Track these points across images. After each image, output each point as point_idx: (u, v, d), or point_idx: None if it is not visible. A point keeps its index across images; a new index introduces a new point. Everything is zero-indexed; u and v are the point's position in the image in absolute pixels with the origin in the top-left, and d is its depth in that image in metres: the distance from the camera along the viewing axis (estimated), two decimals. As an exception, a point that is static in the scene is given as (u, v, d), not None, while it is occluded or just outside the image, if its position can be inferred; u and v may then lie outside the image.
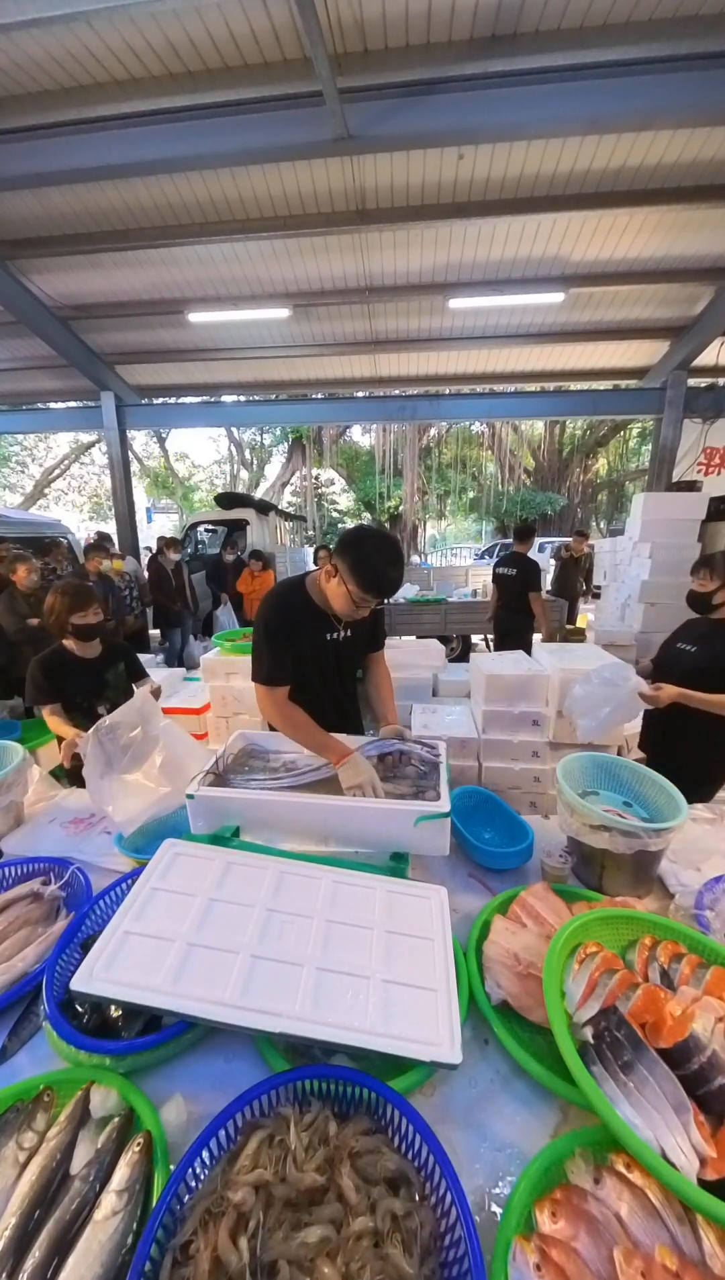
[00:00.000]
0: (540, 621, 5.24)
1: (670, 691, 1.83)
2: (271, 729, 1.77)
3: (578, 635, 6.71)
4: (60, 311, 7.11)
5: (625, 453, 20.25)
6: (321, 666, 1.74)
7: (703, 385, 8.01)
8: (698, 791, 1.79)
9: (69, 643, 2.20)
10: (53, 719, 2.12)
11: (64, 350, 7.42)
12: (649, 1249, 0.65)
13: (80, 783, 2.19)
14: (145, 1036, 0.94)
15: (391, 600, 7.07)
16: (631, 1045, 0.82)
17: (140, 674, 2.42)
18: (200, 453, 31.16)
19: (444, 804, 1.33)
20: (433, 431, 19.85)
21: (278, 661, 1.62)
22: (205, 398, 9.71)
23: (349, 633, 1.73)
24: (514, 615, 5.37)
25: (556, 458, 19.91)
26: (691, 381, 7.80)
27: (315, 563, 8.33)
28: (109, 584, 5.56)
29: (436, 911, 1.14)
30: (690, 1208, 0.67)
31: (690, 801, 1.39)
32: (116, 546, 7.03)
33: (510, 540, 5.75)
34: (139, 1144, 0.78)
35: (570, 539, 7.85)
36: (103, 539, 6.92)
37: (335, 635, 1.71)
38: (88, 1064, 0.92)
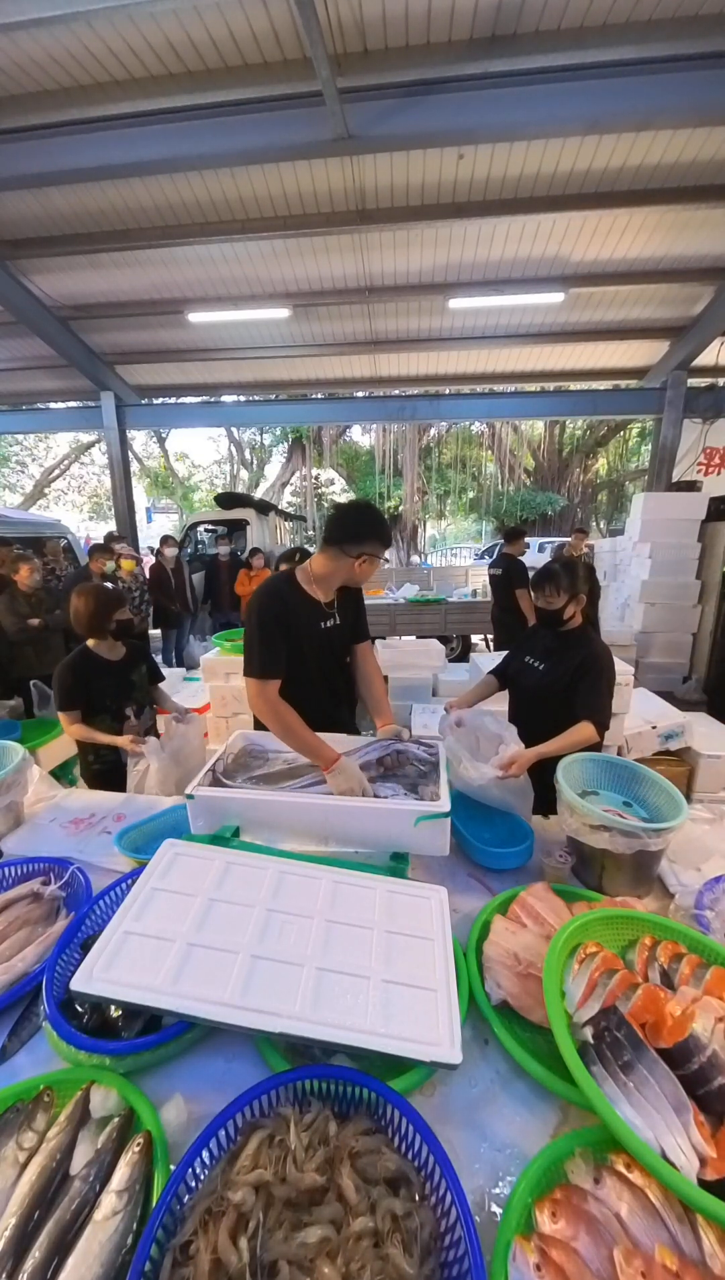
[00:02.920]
0: (529, 616, 5.25)
1: (525, 759, 1.66)
2: (259, 726, 1.77)
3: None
4: (60, 311, 7.10)
5: (625, 453, 20.23)
6: (319, 657, 1.75)
7: (703, 385, 8.00)
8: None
9: (95, 645, 2.23)
10: (75, 727, 2.16)
11: (64, 350, 7.42)
12: (649, 1249, 0.65)
13: (106, 784, 2.26)
14: (145, 1036, 0.94)
15: (393, 599, 7.10)
16: (631, 1045, 0.82)
17: (159, 676, 2.49)
18: (200, 453, 31.21)
19: (444, 804, 1.33)
20: (433, 431, 19.83)
21: (272, 654, 1.60)
22: (205, 398, 9.70)
23: (338, 621, 1.78)
24: (507, 614, 5.44)
25: (556, 458, 19.88)
26: (691, 381, 7.79)
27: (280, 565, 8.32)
28: (111, 584, 5.56)
29: (436, 911, 1.14)
30: (690, 1208, 0.67)
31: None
32: (127, 546, 6.89)
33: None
34: (139, 1144, 0.78)
35: (570, 538, 7.86)
36: (111, 539, 6.82)
37: (328, 624, 1.74)
38: (88, 1064, 0.92)
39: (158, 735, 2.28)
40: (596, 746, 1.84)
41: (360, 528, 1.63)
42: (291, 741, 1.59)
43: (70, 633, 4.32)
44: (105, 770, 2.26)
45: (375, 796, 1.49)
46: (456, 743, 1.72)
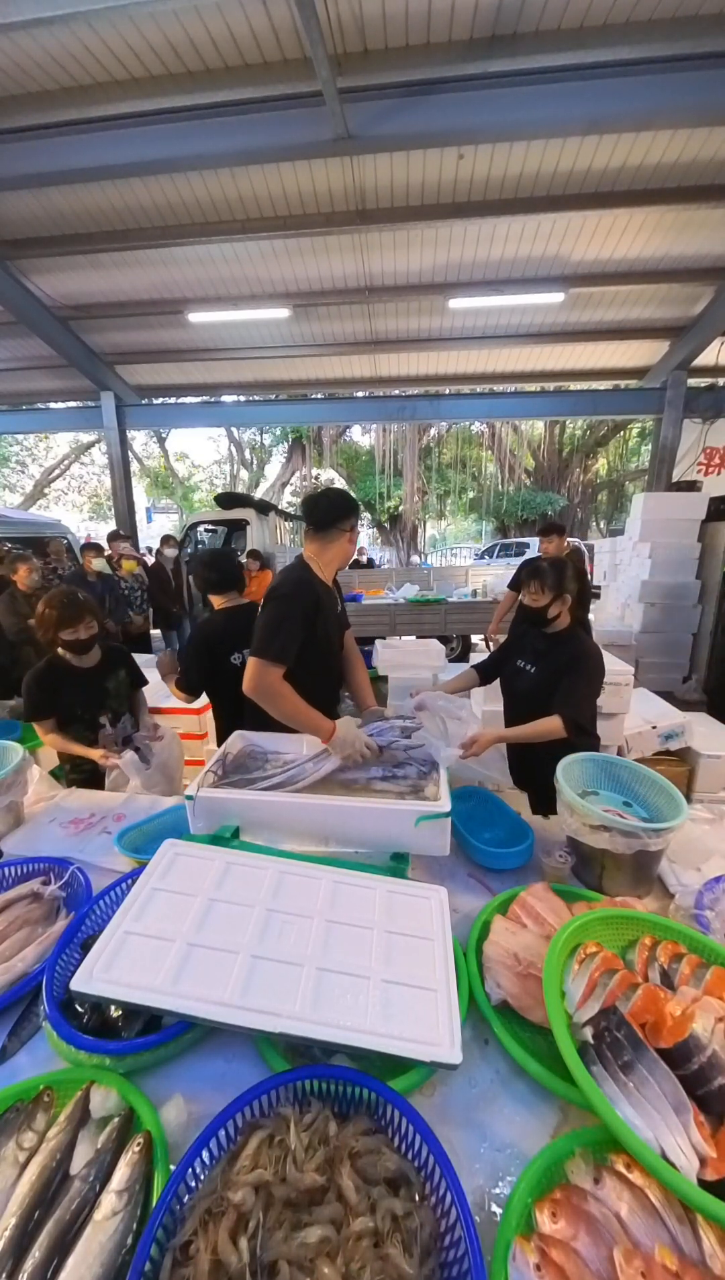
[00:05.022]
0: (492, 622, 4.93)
1: (486, 740, 1.69)
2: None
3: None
4: (60, 311, 7.11)
5: (625, 453, 20.21)
6: (334, 643, 1.86)
7: (703, 385, 8.01)
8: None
9: (63, 652, 2.10)
10: (50, 736, 2.06)
11: (64, 350, 7.42)
12: (649, 1249, 0.65)
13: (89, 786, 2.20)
14: (145, 1036, 0.94)
15: (393, 599, 7.10)
16: (631, 1045, 0.82)
17: (141, 680, 2.33)
18: (200, 453, 31.21)
19: (444, 804, 1.33)
20: (433, 431, 19.82)
21: (291, 643, 1.62)
22: (205, 398, 9.71)
23: (340, 607, 1.93)
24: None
25: (556, 458, 19.86)
26: (691, 381, 7.80)
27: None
28: (108, 584, 5.55)
29: (436, 911, 1.14)
30: (690, 1208, 0.67)
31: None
32: (129, 546, 6.66)
33: (510, 540, 5.75)
34: (139, 1144, 0.78)
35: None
36: (113, 537, 6.70)
37: (338, 609, 1.88)
38: (88, 1064, 0.91)
39: (137, 748, 2.13)
40: (585, 745, 1.82)
41: (341, 505, 1.77)
42: (294, 721, 1.61)
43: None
44: (84, 780, 2.16)
45: (377, 779, 1.54)
46: (426, 727, 1.72)
